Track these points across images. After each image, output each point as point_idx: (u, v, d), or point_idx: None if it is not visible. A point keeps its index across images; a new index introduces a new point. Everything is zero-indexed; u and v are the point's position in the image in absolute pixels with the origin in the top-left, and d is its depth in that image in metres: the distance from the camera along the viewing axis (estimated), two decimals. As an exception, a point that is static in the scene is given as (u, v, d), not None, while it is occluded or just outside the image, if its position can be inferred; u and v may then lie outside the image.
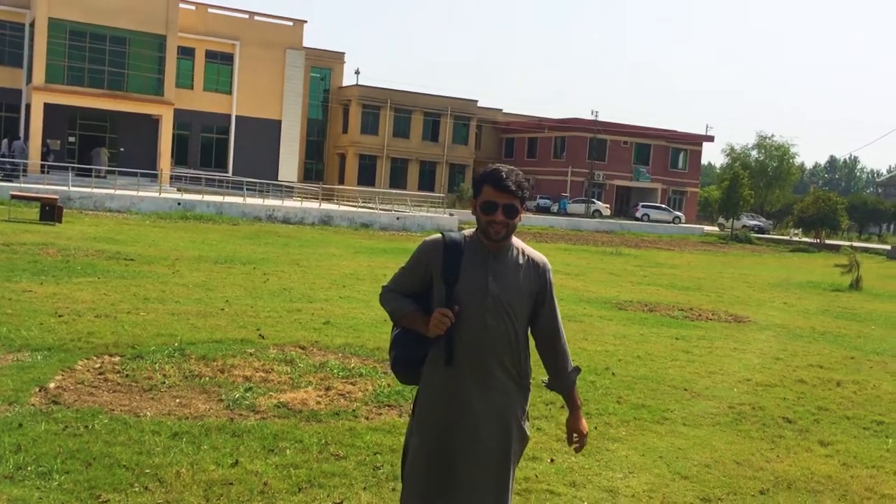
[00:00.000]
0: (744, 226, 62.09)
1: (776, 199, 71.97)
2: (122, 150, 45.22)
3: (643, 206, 64.67)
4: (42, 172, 39.35)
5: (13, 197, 26.93)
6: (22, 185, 34.21)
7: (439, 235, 3.34)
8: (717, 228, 64.61)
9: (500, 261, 3.28)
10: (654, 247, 40.64)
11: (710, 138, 73.77)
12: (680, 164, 72.57)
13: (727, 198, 56.23)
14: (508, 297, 3.24)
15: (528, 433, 3.42)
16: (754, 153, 70.10)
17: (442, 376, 3.26)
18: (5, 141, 43.04)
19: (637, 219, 62.10)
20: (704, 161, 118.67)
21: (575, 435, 3.48)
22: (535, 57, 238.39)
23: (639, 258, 30.93)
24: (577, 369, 3.52)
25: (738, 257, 38.31)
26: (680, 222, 62.69)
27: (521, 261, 3.32)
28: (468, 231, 3.37)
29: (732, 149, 70.97)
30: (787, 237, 58.45)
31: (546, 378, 3.57)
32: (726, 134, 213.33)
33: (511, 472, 3.35)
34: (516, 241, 3.36)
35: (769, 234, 65.05)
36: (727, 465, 6.11)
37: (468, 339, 3.21)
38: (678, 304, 16.13)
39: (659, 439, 6.62)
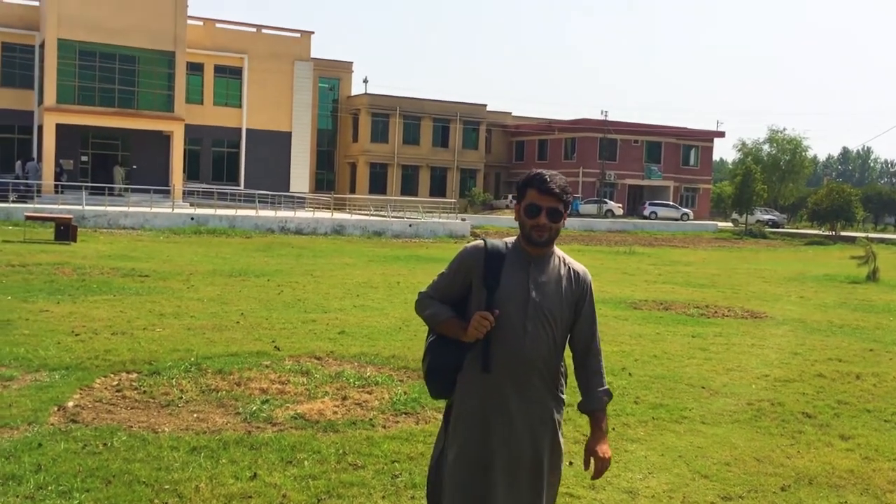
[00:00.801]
0: (758, 221, 61.80)
1: (790, 193, 71.64)
2: (134, 167, 45.51)
3: (650, 205, 64.49)
4: (56, 192, 39.62)
5: (28, 218, 27.12)
6: (36, 205, 34.48)
7: (481, 242, 3.32)
8: (730, 224, 64.32)
9: (542, 269, 3.26)
10: (667, 245, 40.52)
11: (722, 134, 73.54)
12: (692, 161, 72.34)
13: (740, 193, 56.04)
14: (549, 305, 3.22)
15: (563, 444, 3.37)
16: (766, 147, 69.86)
17: (479, 384, 3.22)
18: (19, 163, 43.38)
19: (645, 217, 61.93)
20: (716, 157, 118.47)
21: (592, 459, 3.36)
22: (543, 59, 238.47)
23: (652, 257, 30.84)
24: (609, 393, 3.40)
25: (753, 252, 38.13)
26: (688, 219, 62.44)
27: (562, 270, 3.30)
28: (510, 238, 3.36)
29: (744, 144, 70.78)
30: (798, 230, 58.13)
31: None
32: (738, 129, 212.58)
33: (545, 483, 3.28)
34: (558, 250, 3.34)
35: (784, 228, 64.73)
36: (747, 462, 6.07)
37: (507, 347, 3.18)
38: (693, 302, 16.07)
39: (678, 438, 6.59)
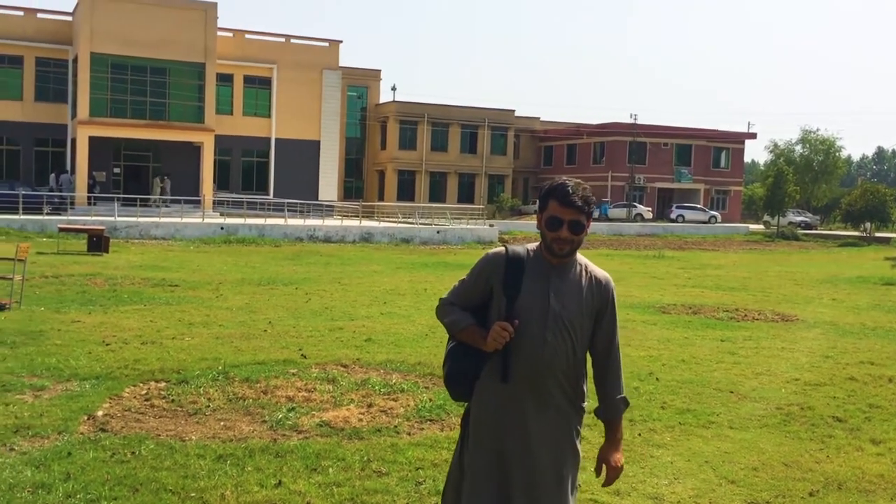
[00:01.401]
0: (790, 222, 61.18)
1: (823, 194, 70.83)
2: (165, 177, 46.03)
3: (677, 207, 64.08)
4: (89, 204, 40.21)
5: (61, 230, 27.52)
6: (70, 217, 35.02)
7: (502, 249, 3.30)
8: (762, 226, 63.70)
9: (563, 277, 3.22)
10: (697, 248, 40.23)
11: (753, 135, 72.95)
12: (722, 164, 71.75)
13: (772, 195, 55.52)
14: (569, 315, 3.18)
15: (581, 454, 3.34)
16: (798, 148, 69.17)
17: (497, 393, 3.20)
18: (53, 175, 44.09)
19: (672, 220, 61.52)
20: (748, 159, 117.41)
21: (605, 466, 3.33)
22: (571, 63, 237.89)
23: (682, 260, 30.63)
24: (626, 401, 3.38)
25: (785, 255, 37.73)
26: (716, 222, 61.89)
27: (583, 278, 3.25)
28: (531, 245, 3.31)
29: (776, 145, 70.17)
30: (832, 232, 57.44)
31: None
32: (769, 130, 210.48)
33: (566, 493, 3.26)
34: (580, 257, 3.30)
35: (817, 229, 63.99)
36: (775, 467, 6.01)
37: (526, 356, 3.15)
38: (723, 306, 15.93)
39: (705, 444, 6.54)
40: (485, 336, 3.16)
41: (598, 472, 3.37)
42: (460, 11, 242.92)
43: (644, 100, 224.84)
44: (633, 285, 19.83)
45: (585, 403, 3.35)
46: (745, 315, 14.68)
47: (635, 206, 63.09)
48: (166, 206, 40.96)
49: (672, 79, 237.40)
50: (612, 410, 3.35)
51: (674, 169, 68.76)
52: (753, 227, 62.93)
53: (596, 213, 47.21)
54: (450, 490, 3.37)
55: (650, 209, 64.65)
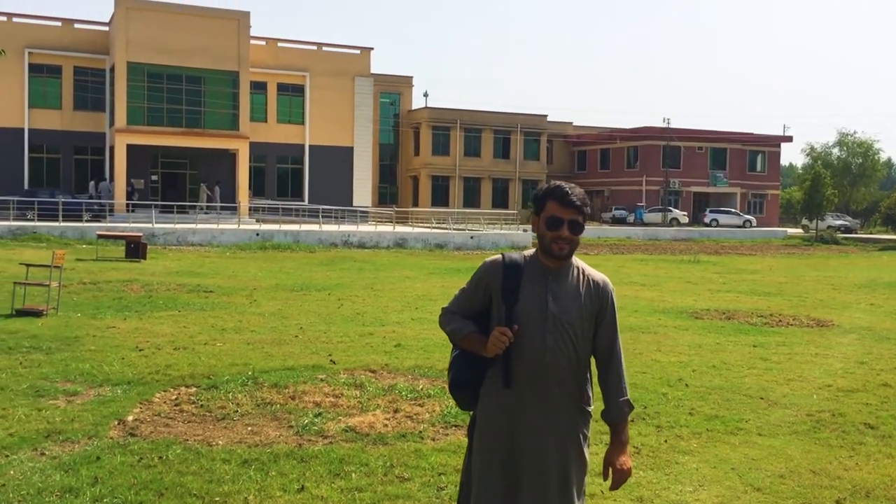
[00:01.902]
0: (829, 226, 60.35)
1: (862, 198, 69.81)
2: (202, 184, 46.61)
3: (711, 212, 63.46)
4: (127, 211, 40.82)
5: (100, 236, 27.97)
6: (109, 224, 35.56)
7: (499, 256, 3.33)
8: (800, 230, 62.90)
9: (560, 281, 3.25)
10: (734, 253, 39.80)
11: (789, 139, 72.01)
12: (758, 167, 70.99)
13: (809, 198, 54.84)
14: (569, 318, 3.20)
15: (588, 458, 3.34)
16: (836, 151, 68.25)
17: (500, 398, 3.22)
18: (92, 183, 44.86)
19: (706, 224, 60.95)
20: (785, 162, 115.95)
21: (610, 469, 3.32)
22: (604, 67, 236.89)
23: (718, 265, 30.33)
24: (630, 404, 3.37)
25: (823, 259, 37.21)
26: (751, 226, 61.16)
27: (581, 281, 3.28)
28: (528, 251, 3.35)
29: (812, 148, 69.32)
30: (872, 235, 56.55)
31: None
32: (806, 133, 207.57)
33: (573, 497, 3.26)
34: (577, 260, 3.33)
35: (856, 233, 63.03)
36: (803, 474, 5.94)
37: (527, 360, 3.17)
38: (757, 311, 15.76)
39: (732, 450, 6.48)
40: (485, 343, 3.19)
41: (604, 475, 3.36)
42: (491, 17, 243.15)
43: (676, 105, 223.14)
44: (667, 290, 19.69)
45: (591, 407, 3.35)
46: (780, 320, 14.50)
47: (671, 211, 62.59)
48: (216, 213, 41.60)
49: (703, 85, 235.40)
50: (615, 413, 3.34)
51: (709, 173, 68.16)
52: (792, 231, 62.16)
53: (631, 218, 46.74)
54: (462, 500, 3.39)
55: (686, 213, 64.09)
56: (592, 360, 3.39)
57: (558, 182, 3.29)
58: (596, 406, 3.39)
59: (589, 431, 3.35)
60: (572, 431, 3.26)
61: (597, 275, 3.35)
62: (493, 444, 3.24)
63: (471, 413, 3.40)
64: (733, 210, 64.86)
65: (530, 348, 3.17)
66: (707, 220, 62.17)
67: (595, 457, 5.01)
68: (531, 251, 3.35)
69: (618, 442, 3.35)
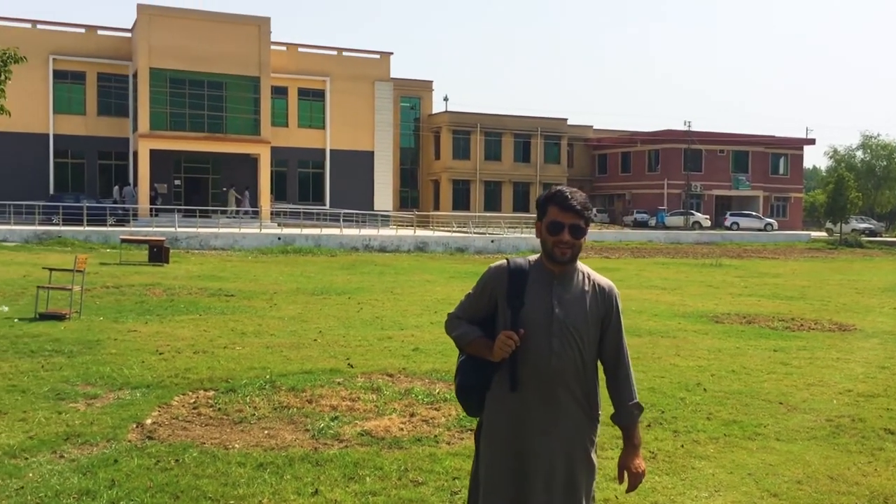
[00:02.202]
0: (853, 229, 59.78)
1: (887, 200, 68.97)
2: (224, 189, 46.94)
3: (731, 215, 63.14)
4: (151, 215, 41.19)
5: (123, 241, 28.23)
6: (132, 228, 35.90)
7: (504, 261, 3.34)
8: (824, 234, 62.35)
9: (566, 286, 3.25)
10: (757, 256, 39.52)
11: (812, 141, 71.50)
12: (781, 170, 70.48)
13: (833, 201, 54.37)
14: (574, 323, 3.20)
15: (596, 464, 3.34)
16: (859, 154, 67.49)
17: (506, 402, 3.23)
18: (116, 188, 45.31)
19: (727, 228, 60.57)
20: (809, 165, 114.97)
21: (625, 473, 3.33)
22: (623, 71, 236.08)
23: (740, 269, 30.13)
24: (640, 407, 3.38)
25: (847, 262, 36.85)
26: (772, 229, 60.68)
27: (586, 286, 3.29)
28: (533, 257, 3.36)
29: (836, 151, 68.54)
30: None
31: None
32: (829, 136, 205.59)
33: (583, 502, 3.26)
34: (582, 265, 3.34)
35: (881, 236, 62.39)
36: (820, 480, 5.89)
37: (533, 365, 3.18)
38: (779, 315, 15.64)
39: (749, 456, 6.43)
40: (491, 347, 3.19)
41: (619, 479, 3.37)
42: (511, 22, 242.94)
43: (696, 109, 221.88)
44: (688, 294, 19.59)
45: (599, 412, 3.35)
46: (801, 325, 14.38)
47: (692, 214, 62.27)
48: (248, 217, 42.01)
49: (724, 89, 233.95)
50: (626, 416, 3.35)
51: (731, 176, 67.73)
52: (815, 234, 61.61)
53: (652, 221, 46.48)
54: (472, 500, 3.40)
55: (708, 217, 63.75)
56: (601, 367, 3.39)
57: (559, 187, 3.30)
58: (607, 411, 3.39)
59: (596, 437, 3.35)
60: (579, 436, 3.26)
61: (602, 280, 3.36)
62: (499, 449, 3.25)
63: (478, 418, 3.41)
64: (754, 213, 64.42)
65: (536, 352, 3.17)
66: (728, 223, 61.79)
67: (610, 461, 5.01)
68: (536, 256, 3.36)
69: (630, 445, 3.35)
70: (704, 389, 8.71)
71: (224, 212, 42.85)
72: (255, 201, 45.36)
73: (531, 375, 3.19)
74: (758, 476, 5.95)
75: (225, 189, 46.87)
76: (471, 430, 6.86)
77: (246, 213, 44.04)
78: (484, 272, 3.40)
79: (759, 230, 59.91)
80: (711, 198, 67.06)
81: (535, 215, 3.38)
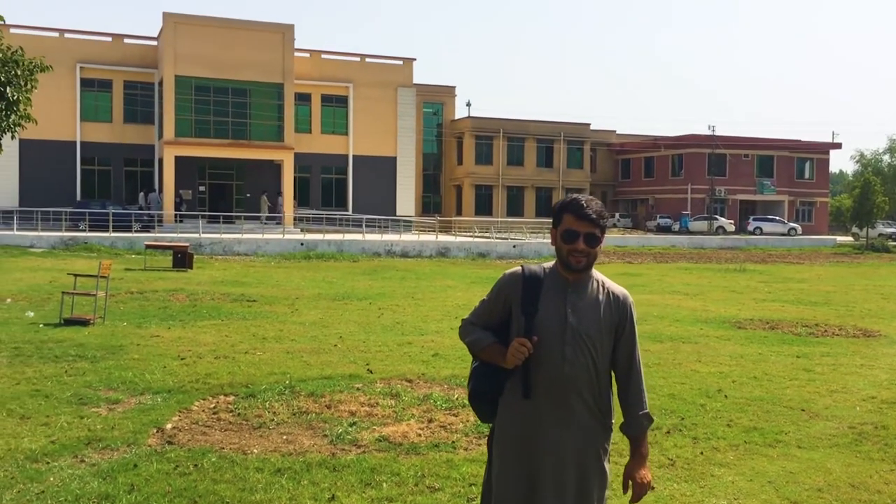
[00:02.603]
0: (879, 234, 59.12)
1: (914, 206, 68.09)
2: (248, 195, 47.24)
3: (754, 220, 62.65)
4: (176, 222, 41.51)
5: (147, 247, 28.47)
6: (157, 234, 36.19)
7: (519, 268, 3.35)
8: (851, 238, 61.70)
9: (580, 293, 3.25)
10: (781, 261, 39.18)
11: (838, 145, 70.76)
12: (807, 174, 69.84)
13: (859, 206, 53.80)
14: (588, 331, 3.20)
15: (609, 472, 3.33)
16: (886, 158, 66.69)
17: (519, 409, 3.23)
18: (142, 194, 45.75)
19: (750, 233, 60.08)
20: (835, 169, 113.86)
21: (630, 482, 3.30)
22: (647, 75, 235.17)
23: (764, 274, 29.88)
24: (650, 417, 3.36)
25: (873, 268, 36.45)
26: (796, 234, 60.09)
27: (601, 294, 3.28)
28: (548, 264, 3.36)
29: (862, 155, 67.80)
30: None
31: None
32: (856, 140, 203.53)
33: None
34: (597, 273, 3.33)
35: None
36: (841, 488, 5.84)
37: (546, 372, 3.18)
38: (803, 321, 15.50)
39: (770, 463, 6.38)
40: (505, 353, 3.20)
41: (624, 488, 3.34)
42: (534, 27, 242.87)
43: (722, 114, 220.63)
44: (711, 300, 19.46)
45: (612, 421, 3.33)
46: (825, 330, 14.25)
47: (716, 219, 61.88)
48: (270, 224, 42.40)
49: (747, 93, 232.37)
50: (635, 426, 3.33)
51: (756, 181, 67.21)
52: (841, 239, 61.03)
53: (676, 226, 46.06)
54: None
55: (732, 222, 63.32)
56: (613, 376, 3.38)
57: (575, 195, 3.30)
58: (616, 420, 3.38)
59: (609, 445, 3.33)
60: (591, 444, 3.25)
61: (617, 288, 3.34)
62: (511, 456, 3.25)
63: (491, 425, 3.41)
64: (777, 218, 63.86)
65: (549, 360, 3.17)
66: (751, 227, 61.30)
67: (616, 467, 4.98)
68: (551, 263, 3.35)
69: (638, 455, 3.33)
70: (725, 396, 8.65)
71: (257, 218, 43.12)
72: (282, 207, 45.59)
73: (544, 383, 3.19)
74: (778, 484, 5.90)
75: (250, 195, 47.16)
76: (488, 436, 6.85)
77: (274, 218, 44.34)
78: (498, 278, 3.40)
79: (783, 235, 59.38)
80: (736, 202, 66.57)
81: (552, 220, 3.37)
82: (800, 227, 63.12)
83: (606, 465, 3.30)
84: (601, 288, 3.30)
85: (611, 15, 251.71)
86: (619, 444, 5.42)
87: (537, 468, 3.20)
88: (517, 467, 3.23)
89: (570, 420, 3.21)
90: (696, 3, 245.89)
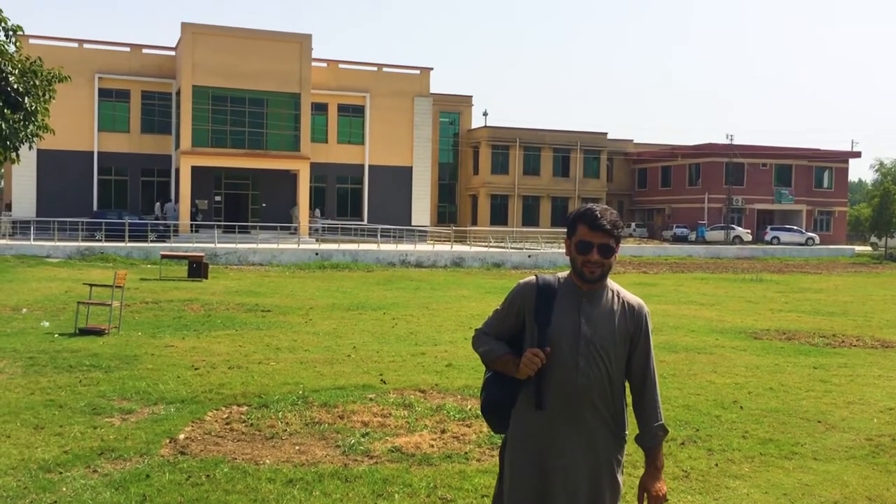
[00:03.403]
0: (900, 243, 58.60)
1: (934, 214, 67.52)
2: (264, 205, 47.42)
3: (772, 229, 62.26)
4: (191, 231, 41.69)
5: (163, 257, 28.59)
6: (173, 244, 36.34)
7: (532, 278, 3.32)
8: (869, 248, 61.24)
9: (594, 303, 3.22)
10: (799, 271, 38.91)
11: (857, 154, 70.35)
12: (825, 184, 69.41)
13: (878, 215, 53.44)
14: (602, 341, 3.18)
15: (622, 485, 3.30)
16: (905, 167, 66.27)
17: (532, 420, 3.21)
18: (158, 204, 46.02)
19: (767, 242, 59.67)
20: (854, 178, 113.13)
21: (645, 494, 3.27)
22: (665, 85, 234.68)
23: (781, 284, 29.68)
24: (665, 429, 3.33)
25: (892, 277, 36.12)
26: (814, 244, 59.61)
27: (615, 304, 3.25)
28: (562, 273, 3.34)
29: (882, 164, 67.39)
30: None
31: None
32: (875, 148, 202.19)
33: None
34: (612, 283, 3.31)
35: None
36: (858, 501, 5.77)
37: (559, 383, 3.15)
38: (820, 331, 15.37)
39: (785, 475, 6.32)
40: (518, 364, 3.17)
41: (640, 501, 3.31)
42: (550, 37, 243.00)
43: (740, 122, 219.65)
44: (727, 310, 19.34)
45: (626, 432, 3.30)
46: (843, 341, 14.13)
47: (733, 229, 61.57)
48: (323, 234, 43.06)
49: (766, 102, 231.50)
50: (649, 438, 3.30)
51: (773, 190, 66.86)
52: (860, 248, 60.56)
53: (692, 236, 45.72)
54: None
55: (749, 231, 62.98)
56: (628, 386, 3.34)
57: (589, 205, 3.27)
58: (630, 431, 3.34)
59: (623, 457, 3.30)
60: (605, 455, 3.22)
61: (632, 298, 3.32)
62: (523, 467, 3.22)
63: (503, 436, 3.39)
64: (795, 227, 63.43)
65: (562, 370, 3.15)
66: (768, 237, 60.90)
67: (630, 478, 4.93)
68: (565, 273, 3.33)
69: (653, 467, 3.30)
70: (741, 407, 8.58)
71: (255, 227, 43.21)
72: (277, 217, 45.73)
73: (557, 394, 3.16)
74: (793, 496, 5.84)
75: (264, 205, 47.36)
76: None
77: (315, 230, 44.79)
78: (512, 288, 3.38)
79: (801, 244, 58.94)
80: (753, 212, 66.24)
81: (566, 230, 3.35)
82: (818, 237, 62.69)
83: (620, 478, 3.27)
84: (616, 298, 3.27)
85: (628, 25, 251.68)
86: (632, 455, 5.37)
87: (550, 480, 3.18)
88: (529, 479, 3.20)
89: (584, 431, 3.18)
90: (712, 14, 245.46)
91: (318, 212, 48.12)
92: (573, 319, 3.19)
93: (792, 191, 67.18)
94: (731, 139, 64.64)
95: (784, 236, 60.95)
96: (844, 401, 9.08)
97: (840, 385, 10.01)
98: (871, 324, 17.02)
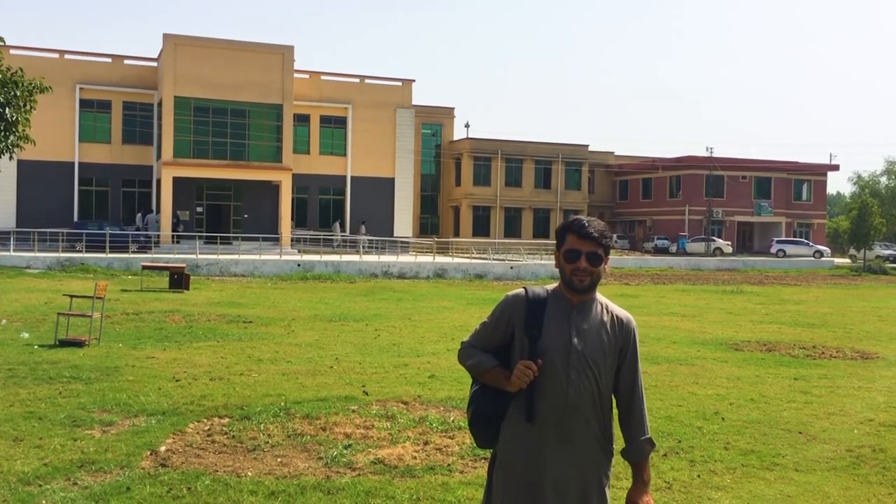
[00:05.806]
0: (877, 256, 59.14)
1: (911, 227, 68.20)
2: (245, 216, 47.25)
3: (778, 242, 61.79)
4: (173, 242, 41.46)
5: (144, 268, 28.42)
6: (154, 255, 36.14)
7: (522, 290, 3.31)
8: (848, 260, 61.75)
9: (584, 316, 3.22)
10: (779, 283, 39.18)
11: (836, 167, 71.08)
12: (804, 196, 70.02)
13: (857, 228, 53.86)
14: (592, 354, 3.17)
15: (609, 498, 3.29)
16: (884, 180, 66.92)
17: (522, 434, 3.19)
18: (139, 214, 45.75)
19: (773, 255, 59.73)
20: (833, 191, 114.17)
21: None
22: (644, 97, 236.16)
23: (761, 295, 29.88)
24: (652, 442, 3.33)
25: (871, 289, 36.45)
26: (821, 256, 59.75)
27: (605, 317, 3.25)
28: (551, 286, 3.33)
29: (860, 177, 68.04)
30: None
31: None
32: (853, 162, 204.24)
33: None
34: (601, 297, 3.31)
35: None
36: (839, 512, 5.80)
37: (550, 396, 3.14)
38: (800, 342, 15.48)
39: (767, 487, 6.35)
40: (508, 377, 3.16)
41: None
42: (532, 49, 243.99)
43: (719, 136, 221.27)
44: (708, 321, 19.44)
45: (613, 447, 3.30)
46: (823, 352, 14.24)
47: (714, 240, 61.91)
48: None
49: (745, 115, 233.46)
50: (637, 452, 3.30)
51: (753, 202, 67.35)
52: (839, 260, 61.02)
53: (673, 248, 45.85)
54: None
55: (729, 243, 63.37)
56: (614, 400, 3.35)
57: (577, 216, 3.30)
58: (616, 445, 3.35)
59: (610, 471, 3.29)
60: (594, 469, 3.21)
61: (620, 311, 3.32)
62: (513, 480, 3.20)
63: (492, 450, 3.37)
64: (804, 240, 63.34)
65: (553, 383, 3.14)
66: (773, 250, 60.67)
67: (616, 491, 4.94)
68: (554, 285, 3.33)
69: (640, 481, 3.29)
70: (722, 418, 8.63)
71: (237, 238, 43.08)
72: (274, 228, 45.59)
73: (548, 407, 3.15)
74: (775, 507, 5.86)
75: (245, 216, 47.20)
76: (484, 458, 6.81)
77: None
78: (500, 300, 3.36)
79: (809, 258, 58.80)
80: (733, 224, 66.70)
81: (555, 242, 3.35)
82: (828, 250, 62.64)
83: (608, 492, 3.26)
84: (605, 311, 3.28)
85: (609, 37, 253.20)
86: (615, 467, 5.38)
87: (539, 494, 3.16)
88: (519, 493, 3.18)
89: (573, 444, 3.17)
90: (694, 26, 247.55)
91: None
92: (564, 332, 3.18)
93: (771, 203, 67.70)
94: (711, 152, 65.14)
95: (791, 249, 60.52)
96: (825, 412, 9.14)
97: (820, 396, 10.08)
98: (850, 335, 17.16)
